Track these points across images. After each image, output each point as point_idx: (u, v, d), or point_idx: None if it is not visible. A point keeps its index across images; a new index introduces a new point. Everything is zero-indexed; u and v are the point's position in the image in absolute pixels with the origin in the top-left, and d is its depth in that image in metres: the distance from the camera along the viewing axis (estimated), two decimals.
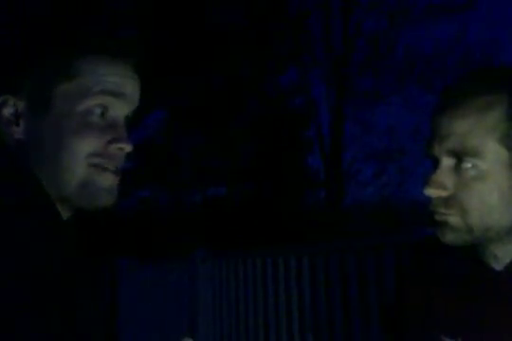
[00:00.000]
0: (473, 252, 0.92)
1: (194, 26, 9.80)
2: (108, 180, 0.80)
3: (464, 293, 0.92)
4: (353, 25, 11.44)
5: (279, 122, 11.08)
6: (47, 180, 0.79)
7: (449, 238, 0.87)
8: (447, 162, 0.86)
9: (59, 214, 0.80)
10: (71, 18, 0.84)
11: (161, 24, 8.84)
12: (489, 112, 0.84)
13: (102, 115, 0.80)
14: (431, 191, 0.86)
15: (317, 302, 3.09)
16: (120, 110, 0.82)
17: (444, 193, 0.86)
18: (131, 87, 0.84)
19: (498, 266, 0.90)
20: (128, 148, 0.82)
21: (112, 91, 0.80)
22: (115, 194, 0.82)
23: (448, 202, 0.86)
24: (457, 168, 0.86)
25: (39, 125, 0.79)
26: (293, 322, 3.25)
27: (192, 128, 10.83)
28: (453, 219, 0.86)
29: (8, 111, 0.80)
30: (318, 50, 11.78)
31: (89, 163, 0.79)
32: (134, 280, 5.06)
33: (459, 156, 0.85)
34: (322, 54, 11.67)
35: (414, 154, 10.66)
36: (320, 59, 11.71)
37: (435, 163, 0.88)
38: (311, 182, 11.95)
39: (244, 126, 10.99)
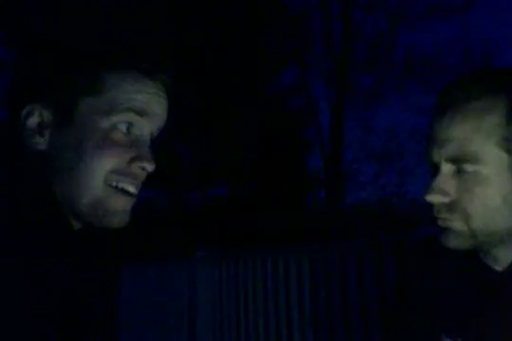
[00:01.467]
0: (474, 252, 0.92)
1: (194, 26, 9.80)
2: (121, 203, 0.79)
3: (464, 293, 0.92)
4: (353, 25, 11.45)
5: (279, 122, 11.08)
6: (63, 193, 0.78)
7: (454, 243, 0.87)
8: (447, 168, 0.86)
9: (67, 225, 0.79)
10: (101, 31, 0.83)
11: (160, 23, 8.83)
12: (487, 116, 0.83)
13: (128, 131, 0.79)
14: (433, 198, 0.86)
15: (317, 302, 3.09)
16: (146, 128, 0.81)
17: (446, 199, 0.85)
18: (158, 106, 0.82)
19: (498, 267, 0.89)
20: (150, 167, 0.80)
21: (138, 110, 0.79)
22: (126, 218, 0.81)
23: (450, 207, 0.85)
24: (458, 173, 0.85)
25: (62, 137, 0.78)
26: (293, 322, 3.25)
27: (192, 128, 10.83)
28: (457, 224, 0.85)
29: (33, 121, 0.78)
30: (318, 50, 11.79)
31: (108, 181, 0.77)
32: (134, 281, 5.06)
33: (459, 162, 0.84)
34: (322, 54, 11.69)
35: (414, 155, 10.68)
36: (320, 59, 11.72)
37: (435, 168, 0.88)
38: (311, 182, 11.96)
39: (244, 126, 10.98)
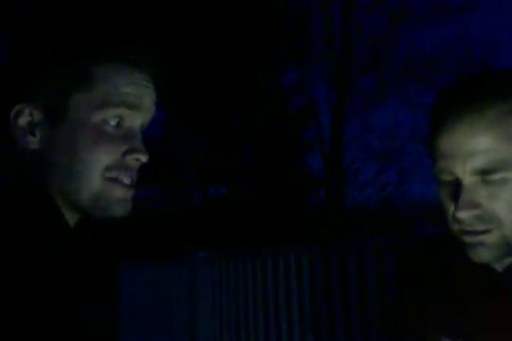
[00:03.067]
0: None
1: (194, 26, 9.80)
2: (121, 193, 0.80)
3: (464, 293, 0.92)
4: (353, 25, 11.45)
5: (279, 122, 11.08)
6: (61, 188, 0.78)
7: (486, 257, 0.84)
8: (472, 180, 0.82)
9: (62, 220, 0.80)
10: (86, 24, 0.82)
11: (160, 23, 8.83)
12: (509, 121, 0.80)
13: (118, 125, 0.79)
14: (466, 213, 0.82)
15: (317, 302, 3.09)
16: (136, 121, 0.82)
17: (477, 211, 0.82)
18: (147, 98, 0.82)
19: (499, 267, 0.89)
20: (144, 158, 0.81)
21: (129, 103, 0.79)
22: (128, 206, 0.81)
23: (482, 218, 0.82)
24: (483, 181, 0.82)
25: (55, 135, 0.78)
26: (293, 322, 3.25)
27: (192, 128, 10.84)
28: (490, 236, 0.82)
29: (23, 120, 0.78)
30: (318, 50, 11.80)
31: (105, 175, 0.78)
32: (134, 281, 5.06)
33: (487, 173, 0.81)
34: (323, 54, 11.69)
35: (414, 154, 10.69)
36: (320, 59, 11.73)
37: (453, 181, 0.84)
38: (311, 182, 11.96)
39: (244, 126, 10.98)
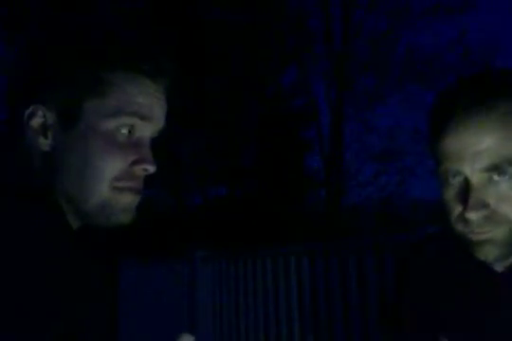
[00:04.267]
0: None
1: (193, 26, 9.80)
2: (127, 200, 0.81)
3: (464, 293, 0.92)
4: (353, 25, 11.45)
5: (279, 122, 11.08)
6: (67, 193, 0.78)
7: (493, 255, 0.83)
8: (479, 179, 0.82)
9: (65, 222, 0.80)
10: (102, 31, 0.83)
11: (159, 22, 8.83)
12: None
13: (129, 133, 0.80)
14: (475, 214, 0.81)
15: (317, 302, 3.09)
16: (146, 130, 0.82)
17: (486, 211, 0.82)
18: (159, 109, 0.83)
19: (499, 267, 0.89)
20: (152, 169, 0.82)
21: (141, 114, 0.80)
22: (132, 213, 0.82)
23: (491, 218, 0.82)
24: (491, 180, 0.82)
25: (66, 138, 0.78)
26: (293, 322, 3.25)
27: (192, 128, 10.84)
28: (499, 234, 0.82)
29: (36, 121, 0.79)
30: (318, 50, 11.79)
31: (113, 185, 0.79)
32: (134, 280, 5.06)
33: (494, 171, 0.81)
34: (323, 54, 11.69)
35: (414, 154, 10.69)
36: (320, 59, 11.72)
37: (460, 182, 0.83)
38: (311, 182, 11.96)
39: (244, 126, 10.98)
